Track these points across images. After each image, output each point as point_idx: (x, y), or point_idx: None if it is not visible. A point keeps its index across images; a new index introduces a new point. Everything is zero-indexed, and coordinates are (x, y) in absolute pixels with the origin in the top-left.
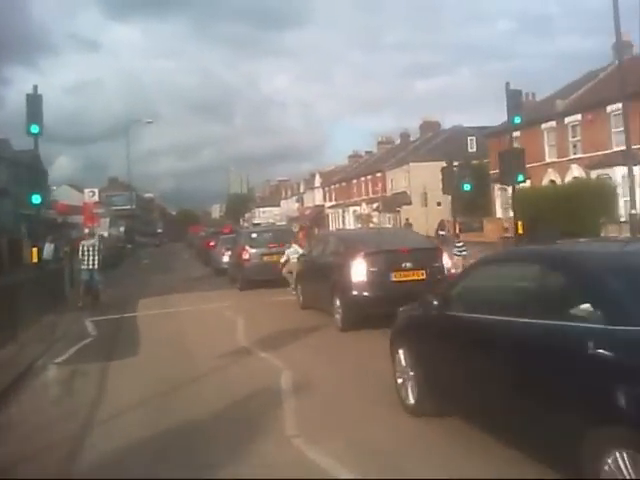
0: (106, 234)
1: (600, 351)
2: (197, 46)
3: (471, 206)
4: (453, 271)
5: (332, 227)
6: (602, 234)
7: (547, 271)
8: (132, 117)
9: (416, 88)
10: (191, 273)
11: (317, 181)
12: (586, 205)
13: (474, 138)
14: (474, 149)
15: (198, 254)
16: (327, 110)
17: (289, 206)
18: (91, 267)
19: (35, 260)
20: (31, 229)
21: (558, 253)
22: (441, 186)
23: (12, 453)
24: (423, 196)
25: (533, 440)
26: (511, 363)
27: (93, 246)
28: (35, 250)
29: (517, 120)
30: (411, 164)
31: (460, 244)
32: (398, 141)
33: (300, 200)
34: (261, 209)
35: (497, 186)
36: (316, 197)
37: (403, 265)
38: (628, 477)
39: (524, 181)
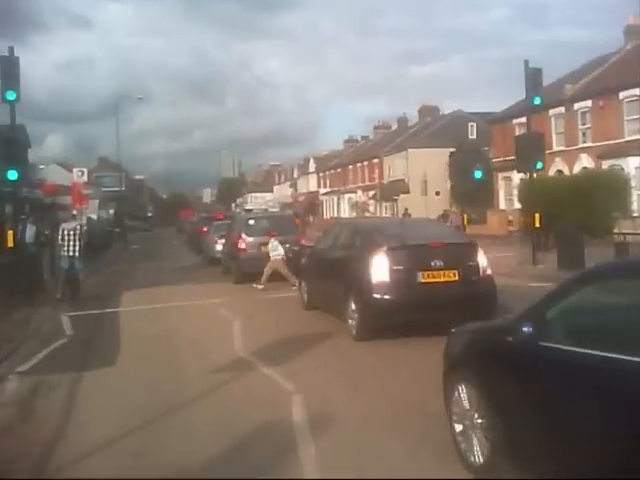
0: (95, 216)
1: None
2: (189, 26)
3: (472, 196)
4: (489, 272)
5: (326, 215)
6: (615, 230)
7: None
8: (123, 95)
9: (411, 74)
10: (181, 261)
11: (311, 166)
12: (597, 198)
13: (475, 124)
14: (474, 136)
15: (189, 240)
16: (320, 94)
17: (282, 192)
18: (72, 254)
19: (10, 244)
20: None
21: None
22: (447, 173)
23: None
24: (422, 184)
25: None
26: None
27: (74, 230)
28: (11, 233)
29: (537, 101)
30: (410, 150)
31: None
32: (395, 126)
33: (294, 186)
34: (253, 194)
35: (501, 175)
36: (310, 183)
37: (432, 263)
38: None
39: (543, 168)
